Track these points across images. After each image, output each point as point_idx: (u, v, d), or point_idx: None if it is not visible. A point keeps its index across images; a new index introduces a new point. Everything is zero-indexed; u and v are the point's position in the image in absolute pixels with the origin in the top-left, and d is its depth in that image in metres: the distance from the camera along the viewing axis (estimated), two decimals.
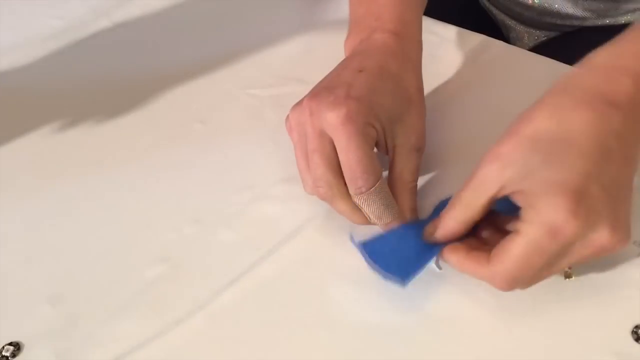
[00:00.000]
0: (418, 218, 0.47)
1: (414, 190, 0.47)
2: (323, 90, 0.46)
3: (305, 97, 0.46)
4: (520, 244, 0.39)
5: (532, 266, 0.39)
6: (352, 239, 0.44)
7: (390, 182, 0.47)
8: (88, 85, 0.64)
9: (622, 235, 0.39)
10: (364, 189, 0.44)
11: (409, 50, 0.50)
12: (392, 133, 0.47)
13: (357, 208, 0.46)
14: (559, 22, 0.72)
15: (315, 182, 0.45)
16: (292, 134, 0.47)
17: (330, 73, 0.49)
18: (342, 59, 0.51)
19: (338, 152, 0.44)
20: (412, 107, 0.48)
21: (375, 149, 0.46)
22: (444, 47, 0.63)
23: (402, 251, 0.44)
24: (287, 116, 0.48)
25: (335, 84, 0.46)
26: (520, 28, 0.76)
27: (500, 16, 0.78)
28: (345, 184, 0.45)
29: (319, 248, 0.47)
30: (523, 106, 0.55)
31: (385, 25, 0.50)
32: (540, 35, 0.76)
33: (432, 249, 0.44)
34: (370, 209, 0.45)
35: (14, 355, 0.44)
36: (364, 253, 0.44)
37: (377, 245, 0.44)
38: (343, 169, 0.45)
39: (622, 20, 0.69)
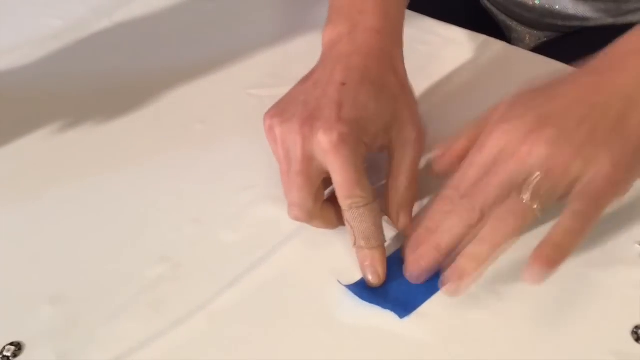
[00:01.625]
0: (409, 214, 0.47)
1: (412, 183, 0.48)
2: (314, 111, 0.45)
3: (295, 113, 0.46)
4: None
5: (467, 177, 0.43)
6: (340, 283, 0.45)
7: (389, 173, 0.48)
8: (88, 85, 0.64)
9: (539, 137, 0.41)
10: (361, 204, 0.44)
11: (390, 48, 0.50)
12: (385, 132, 0.47)
13: (333, 222, 0.47)
14: (560, 23, 0.72)
15: (291, 203, 0.46)
16: (277, 147, 0.47)
17: (316, 82, 0.48)
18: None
19: (332, 174, 0.45)
20: (399, 104, 0.48)
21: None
22: (445, 48, 0.63)
23: (396, 288, 0.45)
24: (268, 122, 0.47)
25: (323, 104, 0.46)
26: (521, 29, 0.76)
27: (502, 17, 0.78)
28: (320, 207, 0.46)
29: (319, 248, 0.47)
30: None
31: (368, 22, 0.50)
32: (542, 36, 0.76)
33: (430, 285, 0.44)
34: (361, 226, 0.45)
35: (15, 355, 0.44)
36: (356, 293, 0.45)
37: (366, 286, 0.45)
38: (337, 188, 0.45)
39: (624, 20, 0.69)
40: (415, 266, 0.44)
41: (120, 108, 0.61)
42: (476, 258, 0.42)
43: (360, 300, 0.44)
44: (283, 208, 0.50)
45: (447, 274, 0.42)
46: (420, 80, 0.59)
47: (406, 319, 0.43)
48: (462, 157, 0.46)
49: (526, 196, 0.41)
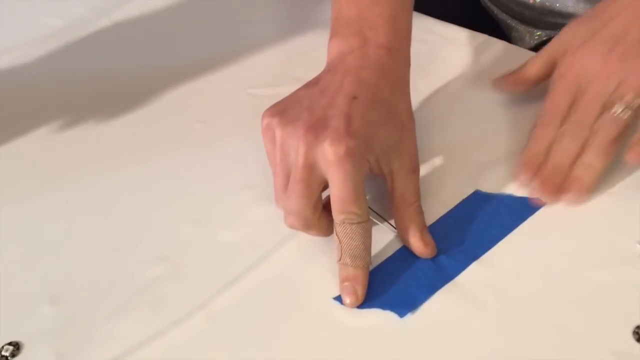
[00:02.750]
0: (430, 236, 0.47)
1: (420, 210, 0.47)
2: (321, 120, 0.44)
3: (299, 118, 0.45)
4: None
5: (560, 104, 0.50)
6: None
7: (394, 205, 0.47)
8: (88, 85, 0.64)
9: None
10: (354, 221, 0.44)
11: (400, 69, 0.50)
12: (387, 159, 0.46)
13: (327, 232, 0.46)
14: (559, 21, 0.72)
15: (288, 211, 0.46)
16: (275, 149, 0.46)
17: (323, 89, 0.47)
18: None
19: (331, 186, 0.44)
20: (405, 132, 0.47)
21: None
22: (445, 47, 0.63)
23: (396, 288, 0.45)
24: (267, 120, 0.46)
25: (332, 114, 0.45)
26: (521, 28, 0.76)
27: (502, 15, 0.78)
28: (318, 217, 0.45)
29: (318, 248, 0.47)
30: (524, 105, 0.55)
31: (379, 39, 0.49)
32: (542, 35, 0.75)
33: (430, 284, 0.44)
34: (351, 243, 0.44)
35: (13, 355, 0.44)
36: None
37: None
38: (334, 201, 0.44)
39: None
40: (544, 190, 0.48)
41: (120, 107, 0.61)
42: (593, 168, 0.48)
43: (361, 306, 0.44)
44: None
45: (566, 185, 0.48)
46: (420, 79, 0.59)
47: (406, 319, 0.43)
48: (537, 79, 0.54)
49: (616, 108, 0.48)
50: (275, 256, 0.47)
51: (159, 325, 0.44)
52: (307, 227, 0.46)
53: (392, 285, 0.45)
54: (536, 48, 0.72)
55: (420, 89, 0.58)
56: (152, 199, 0.53)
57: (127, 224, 0.51)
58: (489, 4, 0.79)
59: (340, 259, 0.44)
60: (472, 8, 0.79)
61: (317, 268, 0.46)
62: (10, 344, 0.44)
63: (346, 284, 0.44)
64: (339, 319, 0.43)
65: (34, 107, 0.63)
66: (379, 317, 0.43)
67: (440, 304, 0.43)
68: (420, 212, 0.47)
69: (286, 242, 0.48)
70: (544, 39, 0.75)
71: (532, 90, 0.54)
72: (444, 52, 0.62)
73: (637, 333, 0.40)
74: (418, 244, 0.46)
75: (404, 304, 0.43)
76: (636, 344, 0.40)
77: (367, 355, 0.42)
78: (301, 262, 0.47)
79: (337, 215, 0.44)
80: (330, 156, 0.43)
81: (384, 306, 0.44)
